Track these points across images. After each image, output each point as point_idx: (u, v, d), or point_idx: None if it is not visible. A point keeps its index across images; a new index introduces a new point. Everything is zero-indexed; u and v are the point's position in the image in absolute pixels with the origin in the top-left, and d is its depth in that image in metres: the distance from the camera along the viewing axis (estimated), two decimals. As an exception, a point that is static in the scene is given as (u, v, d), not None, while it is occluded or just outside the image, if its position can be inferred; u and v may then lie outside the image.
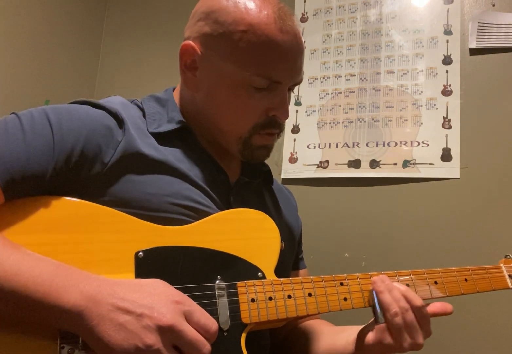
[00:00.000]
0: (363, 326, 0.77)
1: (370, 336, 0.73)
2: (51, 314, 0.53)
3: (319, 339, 0.86)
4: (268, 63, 0.73)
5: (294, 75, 0.77)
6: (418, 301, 0.71)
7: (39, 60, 1.92)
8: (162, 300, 0.56)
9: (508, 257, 0.92)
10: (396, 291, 0.72)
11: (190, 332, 0.55)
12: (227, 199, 0.80)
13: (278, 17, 0.73)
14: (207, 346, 0.56)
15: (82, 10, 2.13)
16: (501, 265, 0.89)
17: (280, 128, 0.80)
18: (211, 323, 0.58)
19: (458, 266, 0.84)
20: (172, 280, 0.61)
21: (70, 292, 0.54)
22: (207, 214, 0.73)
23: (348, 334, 0.80)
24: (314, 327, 0.91)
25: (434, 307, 0.75)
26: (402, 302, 0.71)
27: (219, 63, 0.75)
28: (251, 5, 0.74)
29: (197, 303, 0.60)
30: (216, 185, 0.79)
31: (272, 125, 0.78)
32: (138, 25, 2.18)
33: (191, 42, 0.77)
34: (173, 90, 0.87)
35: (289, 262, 0.92)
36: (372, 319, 0.74)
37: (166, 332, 0.54)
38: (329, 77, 1.75)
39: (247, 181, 0.86)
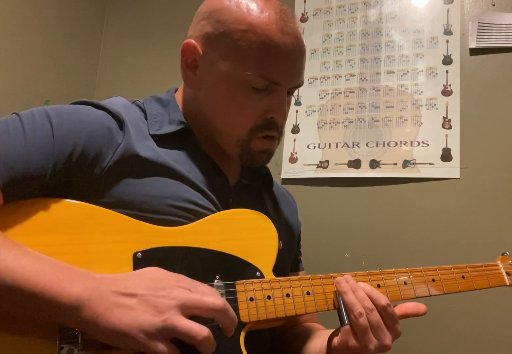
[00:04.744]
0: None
1: (336, 339, 0.71)
2: (52, 308, 0.54)
3: (305, 343, 0.85)
4: (267, 64, 0.73)
5: (293, 77, 0.77)
6: (383, 300, 0.69)
7: (39, 60, 1.92)
8: (163, 281, 0.57)
9: (505, 254, 0.92)
10: (360, 291, 0.70)
11: (198, 295, 0.57)
12: (226, 201, 0.80)
13: (280, 18, 0.73)
14: (221, 299, 0.58)
15: (82, 10, 2.13)
16: (498, 262, 0.90)
17: (278, 131, 0.80)
18: (215, 293, 0.59)
19: (458, 264, 0.84)
20: (171, 280, 0.61)
21: (72, 284, 0.54)
22: (206, 216, 0.73)
23: (324, 339, 0.78)
24: (305, 331, 0.89)
25: (406, 307, 0.72)
26: (367, 302, 0.68)
27: (219, 62, 0.75)
28: (253, 6, 0.74)
29: None
30: (215, 187, 0.78)
31: (270, 128, 0.78)
32: (137, 25, 2.18)
33: (192, 40, 0.77)
34: (176, 91, 0.87)
35: (288, 262, 0.92)
36: None
37: (176, 304, 0.55)
38: (329, 77, 1.75)
39: (247, 184, 0.86)
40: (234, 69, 0.74)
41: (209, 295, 0.57)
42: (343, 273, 0.75)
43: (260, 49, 0.72)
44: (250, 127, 0.77)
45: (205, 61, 0.77)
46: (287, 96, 0.79)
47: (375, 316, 0.68)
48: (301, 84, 0.80)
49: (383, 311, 0.69)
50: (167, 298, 0.55)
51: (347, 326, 0.69)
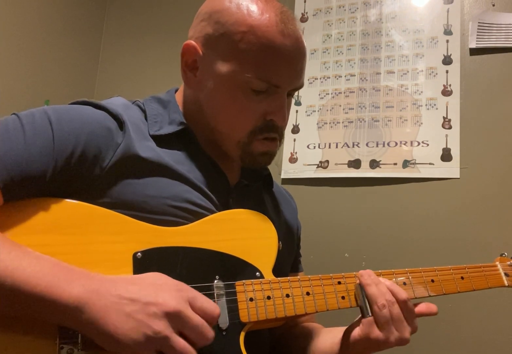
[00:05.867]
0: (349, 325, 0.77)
1: (357, 331, 0.72)
2: (52, 309, 0.54)
3: (310, 342, 0.86)
4: (267, 66, 0.73)
5: (293, 80, 0.77)
6: (403, 295, 0.72)
7: (39, 60, 1.92)
8: (164, 289, 0.57)
9: (504, 255, 0.92)
10: (382, 284, 0.73)
11: (196, 316, 0.56)
12: (226, 201, 0.80)
13: (280, 20, 0.73)
14: (211, 331, 0.57)
15: (82, 10, 2.13)
16: (497, 263, 0.90)
17: (279, 132, 0.79)
18: (214, 307, 0.59)
19: (457, 265, 0.84)
20: (171, 280, 0.61)
21: (73, 285, 0.54)
22: (206, 217, 0.73)
23: (334, 335, 0.80)
24: (307, 331, 0.90)
25: (419, 307, 0.75)
26: (388, 295, 0.71)
27: (219, 63, 0.75)
28: (254, 7, 0.74)
29: None
30: (215, 187, 0.78)
31: (270, 130, 0.77)
32: (137, 25, 2.18)
33: (192, 42, 0.77)
34: (176, 91, 0.87)
35: (288, 263, 0.92)
36: (359, 317, 0.74)
37: (173, 318, 0.55)
38: (329, 77, 1.75)
39: (247, 184, 0.86)
40: (234, 71, 0.74)
41: (207, 326, 0.57)
42: (342, 274, 0.75)
43: (260, 51, 0.72)
44: (250, 129, 0.77)
45: (205, 62, 0.77)
46: (287, 98, 0.79)
47: (396, 309, 0.70)
48: (301, 86, 0.80)
49: (403, 304, 0.71)
50: (165, 307, 0.55)
51: (370, 318, 0.70)
